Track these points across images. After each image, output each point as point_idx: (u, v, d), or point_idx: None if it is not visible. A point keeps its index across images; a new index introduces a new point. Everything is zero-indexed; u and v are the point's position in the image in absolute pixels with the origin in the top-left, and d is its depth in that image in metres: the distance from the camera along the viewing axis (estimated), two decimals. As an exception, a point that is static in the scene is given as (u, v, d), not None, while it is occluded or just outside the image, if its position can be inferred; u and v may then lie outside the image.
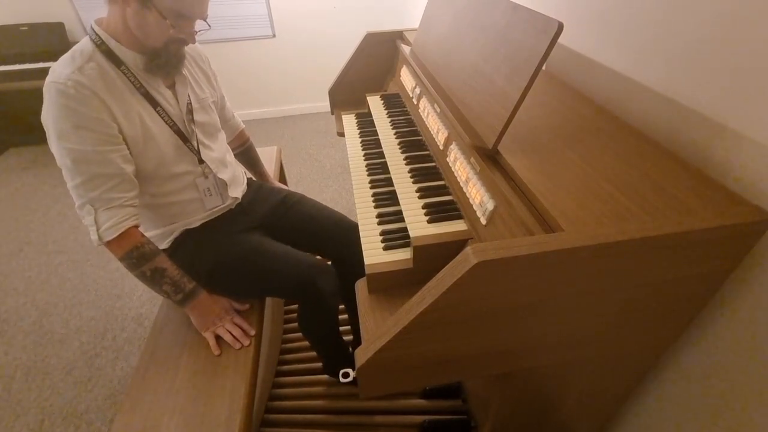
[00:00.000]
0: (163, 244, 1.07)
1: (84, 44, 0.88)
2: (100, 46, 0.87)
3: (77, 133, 0.83)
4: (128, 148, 0.90)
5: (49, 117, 0.83)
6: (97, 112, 0.84)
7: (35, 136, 3.12)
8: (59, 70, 0.83)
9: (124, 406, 0.88)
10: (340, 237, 1.22)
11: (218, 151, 1.11)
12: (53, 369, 1.58)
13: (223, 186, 1.11)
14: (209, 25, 0.96)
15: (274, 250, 1.10)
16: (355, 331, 1.36)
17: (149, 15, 0.84)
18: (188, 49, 1.04)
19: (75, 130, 0.82)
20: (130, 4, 0.83)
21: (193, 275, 1.02)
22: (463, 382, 1.25)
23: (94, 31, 0.88)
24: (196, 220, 1.08)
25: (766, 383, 0.70)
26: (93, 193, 0.86)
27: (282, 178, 1.75)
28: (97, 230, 0.87)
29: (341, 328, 1.28)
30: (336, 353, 1.29)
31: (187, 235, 1.07)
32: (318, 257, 1.17)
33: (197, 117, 1.04)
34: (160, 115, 0.95)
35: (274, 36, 3.17)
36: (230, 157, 1.19)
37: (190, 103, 1.03)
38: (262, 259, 1.08)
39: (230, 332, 1.00)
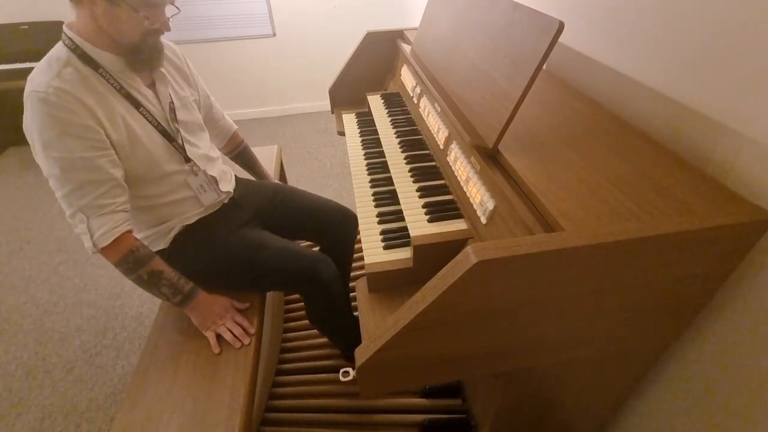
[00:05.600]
0: (162, 244, 1.06)
1: (58, 50, 0.86)
2: (75, 50, 0.85)
3: (64, 141, 0.81)
4: (116, 152, 0.89)
5: (33, 127, 0.81)
6: (83, 118, 0.82)
7: (36, 135, 3.13)
8: (38, 78, 0.81)
9: (125, 405, 0.88)
10: (337, 226, 1.29)
11: (203, 148, 1.11)
12: (54, 367, 1.59)
13: (214, 182, 1.11)
14: (178, 9, 0.93)
15: (274, 244, 1.11)
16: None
17: (119, 11, 0.82)
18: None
19: (61, 138, 0.80)
20: (97, 3, 0.81)
21: (194, 272, 1.02)
22: (464, 382, 1.25)
23: (67, 36, 0.85)
24: (192, 216, 1.07)
25: (766, 382, 0.70)
26: (83, 201, 0.84)
27: (282, 178, 1.75)
28: (91, 237, 0.86)
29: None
30: (351, 340, 1.31)
31: (186, 232, 1.07)
32: (314, 249, 1.19)
33: (180, 116, 1.03)
34: (143, 116, 0.94)
35: (274, 35, 3.17)
36: (215, 152, 1.18)
37: (172, 102, 1.01)
38: (264, 253, 1.09)
39: (231, 331, 1.00)
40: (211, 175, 1.09)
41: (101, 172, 0.85)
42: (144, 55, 0.91)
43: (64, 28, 0.86)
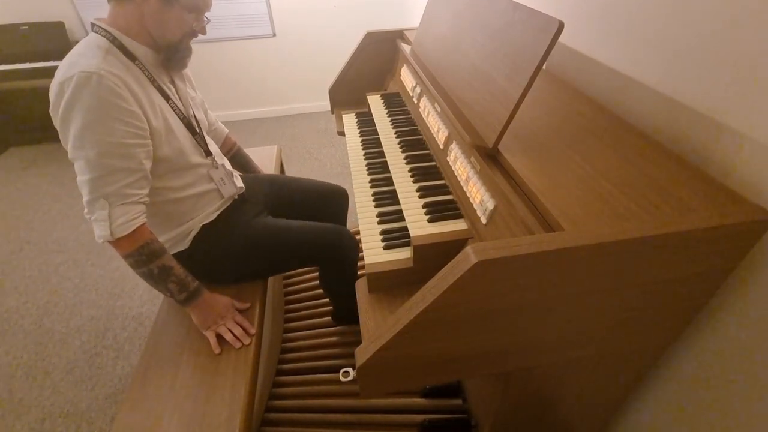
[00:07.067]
0: (182, 245, 1.06)
1: (96, 40, 0.86)
2: (114, 41, 0.87)
3: (108, 125, 0.81)
4: (152, 141, 0.90)
5: (75, 107, 0.79)
6: (130, 103, 0.83)
7: (36, 135, 3.12)
8: (85, 61, 0.80)
9: (125, 405, 0.88)
10: (329, 201, 1.40)
11: (214, 146, 1.16)
12: (54, 368, 1.59)
13: (231, 175, 1.15)
14: (208, 19, 0.98)
15: (294, 225, 1.17)
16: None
17: (172, 11, 0.86)
18: None
19: (106, 121, 0.80)
20: (149, 2, 0.84)
21: (221, 265, 1.07)
22: (464, 382, 1.25)
23: (102, 28, 0.87)
24: (211, 213, 1.10)
25: (766, 382, 0.70)
26: (110, 188, 0.84)
27: (282, 178, 1.75)
28: (110, 225, 0.85)
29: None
30: (349, 304, 1.35)
31: (206, 230, 1.08)
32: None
33: (195, 113, 1.08)
34: (172, 108, 0.98)
35: (274, 35, 3.17)
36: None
37: (189, 99, 1.06)
38: (289, 234, 1.15)
39: (231, 331, 1.00)
40: (229, 170, 1.15)
41: (135, 161, 0.86)
42: (179, 54, 0.96)
43: (95, 21, 0.88)
